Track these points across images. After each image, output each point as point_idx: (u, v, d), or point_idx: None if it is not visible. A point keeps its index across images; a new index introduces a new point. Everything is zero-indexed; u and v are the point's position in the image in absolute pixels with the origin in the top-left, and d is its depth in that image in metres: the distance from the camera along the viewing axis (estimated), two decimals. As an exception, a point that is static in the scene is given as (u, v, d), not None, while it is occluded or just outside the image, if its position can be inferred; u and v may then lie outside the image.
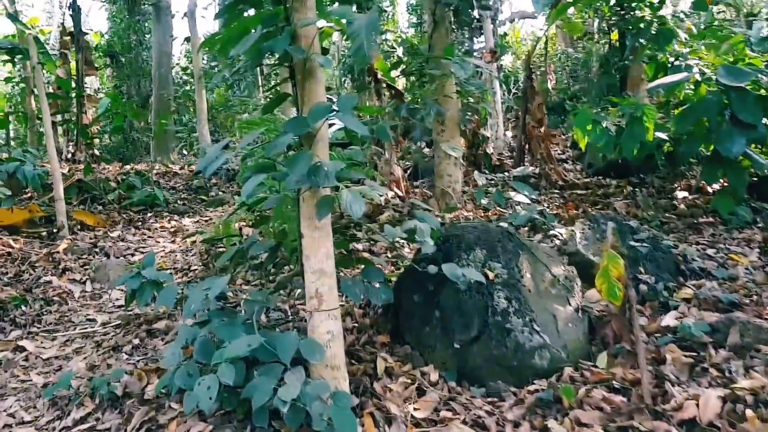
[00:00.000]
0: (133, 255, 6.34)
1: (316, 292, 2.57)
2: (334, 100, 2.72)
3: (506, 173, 7.66)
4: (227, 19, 3.15)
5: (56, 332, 4.28)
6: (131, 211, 8.35)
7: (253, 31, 3.01)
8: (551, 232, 4.96)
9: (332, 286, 2.61)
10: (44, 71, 14.52)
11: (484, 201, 5.73)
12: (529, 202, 5.94)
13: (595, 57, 13.08)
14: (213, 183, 9.93)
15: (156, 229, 7.59)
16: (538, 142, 7.16)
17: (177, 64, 15.48)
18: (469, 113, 6.56)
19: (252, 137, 3.01)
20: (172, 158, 12.22)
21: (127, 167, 10.85)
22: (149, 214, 8.25)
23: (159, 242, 6.88)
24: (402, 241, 3.80)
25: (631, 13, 12.05)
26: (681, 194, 6.06)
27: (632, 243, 4.03)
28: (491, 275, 3.15)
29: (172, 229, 7.42)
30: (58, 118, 11.27)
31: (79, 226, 7.32)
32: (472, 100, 6.55)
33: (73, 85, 11.58)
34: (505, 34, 15.88)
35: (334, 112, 2.53)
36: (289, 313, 3.88)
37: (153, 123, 12.71)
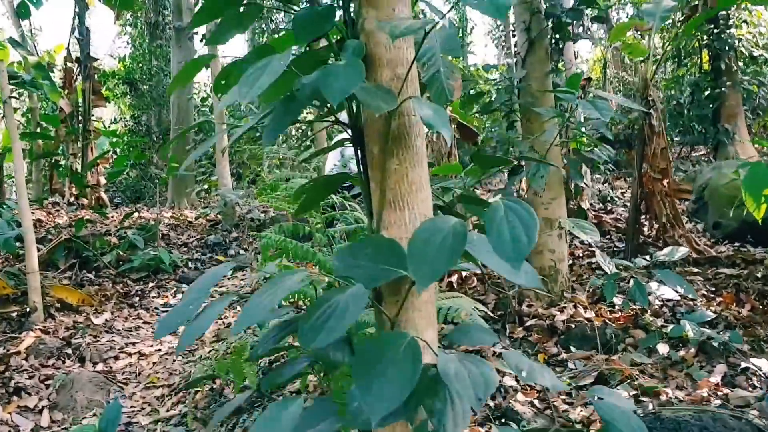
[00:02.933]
0: (116, 359, 4.63)
1: None
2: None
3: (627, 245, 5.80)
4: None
5: None
6: (130, 279, 6.69)
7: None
8: (742, 365, 3.16)
9: None
10: (41, 102, 13.18)
11: (616, 299, 3.90)
12: (679, 297, 4.10)
13: (682, 84, 11.17)
14: (234, 237, 8.25)
15: (156, 308, 5.91)
16: (662, 200, 5.31)
17: (196, 93, 13.98)
18: (579, 163, 4.75)
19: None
20: (189, 202, 10.62)
21: (135, 215, 9.24)
22: (151, 284, 6.57)
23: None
24: None
25: (727, 31, 10.18)
26: None
27: None
28: None
29: (177, 309, 5.73)
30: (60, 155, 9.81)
31: (58, 305, 5.67)
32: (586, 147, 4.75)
33: (80, 117, 10.12)
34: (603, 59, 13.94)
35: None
36: None
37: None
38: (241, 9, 1.49)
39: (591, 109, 3.42)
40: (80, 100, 9.99)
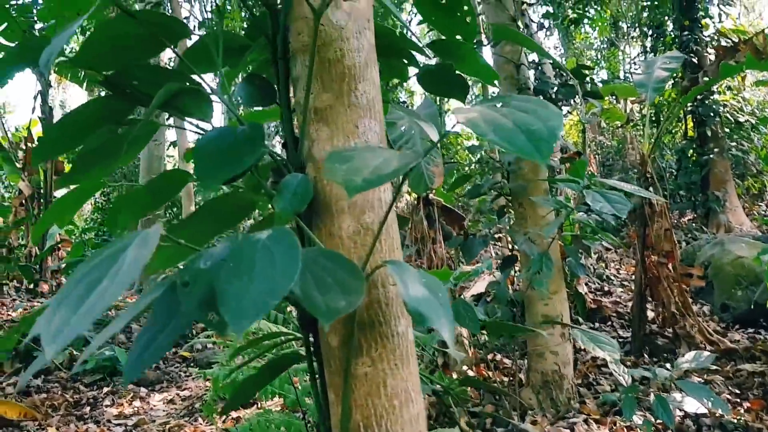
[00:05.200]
0: (51, 498, 3.92)
1: None
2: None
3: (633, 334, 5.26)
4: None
5: None
6: (82, 383, 5.97)
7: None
8: None
9: None
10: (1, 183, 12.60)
11: (637, 418, 3.32)
12: (707, 410, 3.54)
13: (666, 150, 10.92)
14: (202, 327, 7.54)
15: (109, 420, 5.19)
16: (669, 286, 4.81)
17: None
18: (582, 252, 4.26)
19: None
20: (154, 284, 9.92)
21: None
22: (105, 390, 5.85)
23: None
24: None
25: (711, 97, 9.98)
26: None
27: None
28: None
29: (132, 422, 5.03)
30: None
31: (-6, 422, 4.94)
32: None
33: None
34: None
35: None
36: None
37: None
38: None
39: (602, 202, 2.93)
40: (42, 180, 9.44)
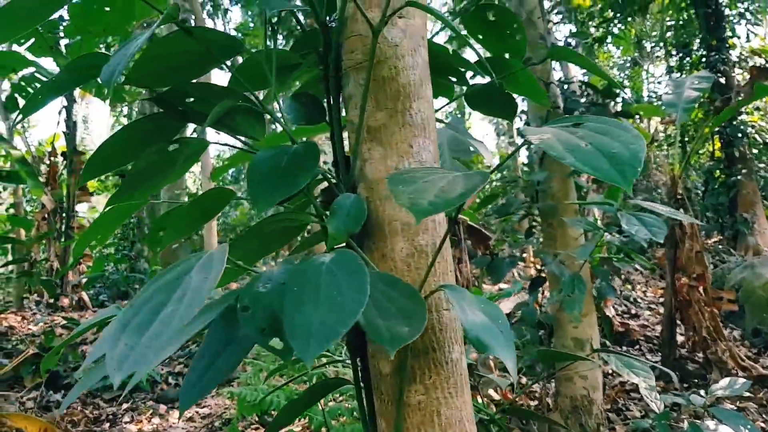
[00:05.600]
0: None
1: None
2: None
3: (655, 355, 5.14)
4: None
5: None
6: (102, 399, 5.97)
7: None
8: None
9: None
10: (24, 197, 12.75)
11: (669, 446, 3.22)
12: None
13: (692, 171, 10.78)
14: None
15: (129, 437, 5.17)
16: (700, 310, 4.70)
17: (185, 189, 13.58)
18: (612, 275, 4.19)
19: None
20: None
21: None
22: (125, 406, 5.84)
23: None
24: None
25: (738, 118, 9.85)
26: None
27: None
28: None
29: (152, 439, 5.00)
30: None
31: (16, 436, 4.94)
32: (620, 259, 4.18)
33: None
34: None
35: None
36: None
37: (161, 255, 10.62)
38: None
39: (637, 225, 2.86)
40: (65, 195, 9.54)
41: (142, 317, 0.59)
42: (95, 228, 1.23)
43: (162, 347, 0.56)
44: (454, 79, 1.28)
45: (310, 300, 0.64)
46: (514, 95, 1.30)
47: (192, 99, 0.97)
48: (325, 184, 1.11)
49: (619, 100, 4.18)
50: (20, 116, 0.97)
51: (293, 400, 1.11)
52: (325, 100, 1.09)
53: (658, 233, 2.84)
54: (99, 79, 0.74)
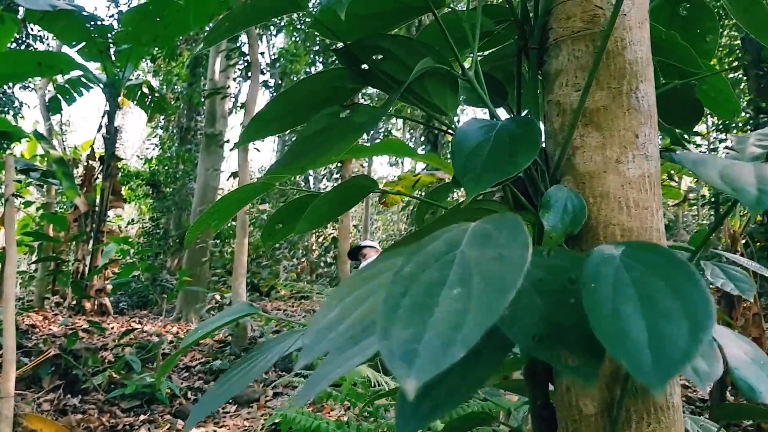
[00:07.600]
0: None
1: None
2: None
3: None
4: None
5: None
6: (119, 408, 5.77)
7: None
8: None
9: None
10: (57, 197, 12.76)
11: None
12: None
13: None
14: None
15: (144, 452, 4.95)
16: (759, 376, 4.43)
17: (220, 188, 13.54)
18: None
19: None
20: (199, 316, 9.78)
21: (138, 326, 8.39)
22: (142, 417, 5.63)
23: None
24: None
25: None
26: None
27: None
28: None
29: (168, 456, 4.78)
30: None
31: (29, 439, 4.74)
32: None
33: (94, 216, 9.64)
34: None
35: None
36: None
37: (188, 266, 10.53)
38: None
39: (723, 279, 2.64)
40: (98, 199, 9.50)
41: (415, 298, 0.42)
42: (213, 211, 1.07)
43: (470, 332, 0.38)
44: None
45: (625, 301, 0.47)
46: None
47: (383, 55, 0.81)
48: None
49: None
50: (203, 45, 0.82)
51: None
52: (514, 77, 0.93)
53: (746, 290, 2.62)
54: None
